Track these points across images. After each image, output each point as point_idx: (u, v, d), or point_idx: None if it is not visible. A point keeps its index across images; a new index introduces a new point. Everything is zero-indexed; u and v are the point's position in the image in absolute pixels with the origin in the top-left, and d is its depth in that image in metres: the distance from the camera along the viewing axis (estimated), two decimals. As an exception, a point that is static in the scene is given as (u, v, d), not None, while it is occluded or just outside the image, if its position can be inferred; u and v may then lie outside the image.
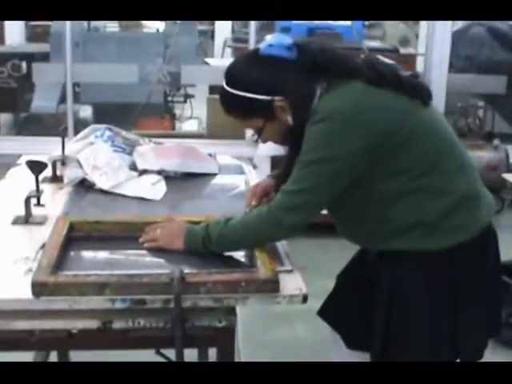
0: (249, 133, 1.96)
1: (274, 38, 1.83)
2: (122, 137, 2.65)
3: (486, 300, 1.90)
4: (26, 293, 1.62)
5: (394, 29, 8.05)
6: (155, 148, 2.62)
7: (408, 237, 1.81)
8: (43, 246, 1.88)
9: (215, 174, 2.65)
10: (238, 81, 1.83)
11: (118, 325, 1.68)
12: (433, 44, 5.15)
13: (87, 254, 1.87)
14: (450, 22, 5.13)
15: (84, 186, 2.42)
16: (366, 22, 5.56)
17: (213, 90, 6.54)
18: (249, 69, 1.83)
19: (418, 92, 1.83)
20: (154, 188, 2.41)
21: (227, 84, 1.85)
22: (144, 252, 1.89)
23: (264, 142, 1.93)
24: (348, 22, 4.71)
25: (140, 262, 1.84)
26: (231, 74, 1.87)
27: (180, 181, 2.54)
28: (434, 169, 1.79)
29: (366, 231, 1.89)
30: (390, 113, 1.76)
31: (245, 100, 1.80)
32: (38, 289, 1.61)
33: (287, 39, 1.82)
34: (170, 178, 2.53)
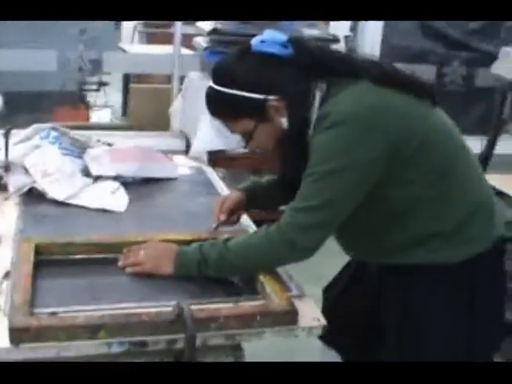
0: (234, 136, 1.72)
1: (268, 34, 1.63)
2: (69, 137, 2.34)
3: (498, 311, 1.79)
4: (2, 340, 1.33)
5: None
6: (110, 151, 2.33)
7: (423, 249, 1.64)
8: (7, 274, 1.59)
9: (175, 179, 2.40)
10: (229, 78, 1.61)
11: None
12: (364, 36, 5.08)
13: (62, 284, 1.59)
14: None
15: (33, 195, 2.10)
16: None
17: (128, 77, 6.22)
18: (240, 66, 1.62)
19: (426, 91, 1.66)
20: (114, 197, 2.14)
21: (216, 82, 1.63)
22: (127, 278, 1.63)
23: (253, 147, 1.72)
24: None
25: (127, 292, 1.58)
26: (220, 72, 1.65)
27: (140, 187, 2.28)
28: (450, 175, 1.64)
29: (375, 245, 1.71)
30: (405, 116, 1.58)
31: (236, 99, 1.60)
32: (18, 335, 1.32)
33: (281, 35, 1.62)
34: (127, 184, 2.26)
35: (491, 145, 3.95)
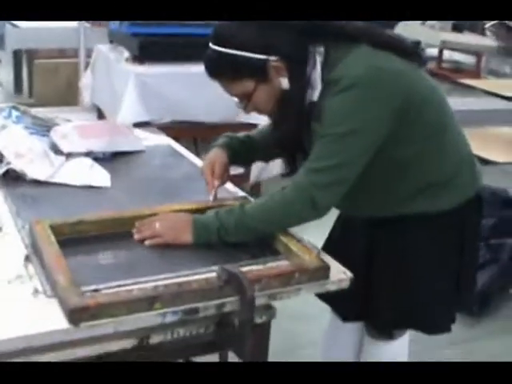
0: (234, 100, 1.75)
1: None
2: (30, 116, 2.27)
3: (477, 252, 1.99)
4: (57, 321, 1.32)
5: None
6: (78, 127, 2.28)
7: (422, 198, 1.77)
8: (27, 258, 1.55)
9: (143, 151, 2.38)
10: (230, 39, 1.64)
11: (155, 339, 1.44)
12: None
13: (88, 262, 1.57)
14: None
15: (9, 177, 2.03)
16: None
17: (20, 53, 5.95)
18: (240, 28, 1.65)
19: (415, 54, 1.77)
20: (95, 173, 2.10)
21: (217, 44, 1.66)
22: (148, 251, 1.64)
23: (252, 109, 1.76)
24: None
25: (156, 264, 1.58)
26: (221, 33, 1.67)
27: (112, 162, 2.25)
28: (444, 129, 1.77)
29: (376, 198, 1.80)
30: (407, 77, 1.69)
31: (237, 59, 1.63)
32: (78, 315, 1.31)
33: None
34: (98, 159, 2.23)
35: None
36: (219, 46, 1.64)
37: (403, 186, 1.76)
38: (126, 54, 3.99)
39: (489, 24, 2.85)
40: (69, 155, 2.18)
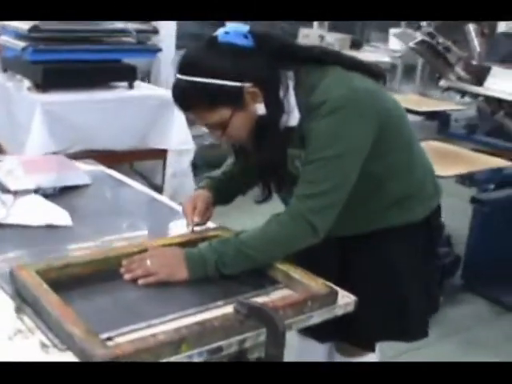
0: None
1: (230, 26, 1.65)
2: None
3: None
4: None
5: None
6: (23, 162, 2.12)
7: (398, 210, 1.80)
8: (19, 309, 1.42)
9: (89, 184, 2.27)
10: (202, 68, 1.60)
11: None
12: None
13: (90, 306, 1.46)
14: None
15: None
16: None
17: None
18: (210, 56, 1.62)
19: (380, 74, 1.81)
20: (52, 211, 1.96)
21: (188, 74, 1.61)
22: (145, 289, 1.56)
23: (228, 138, 1.71)
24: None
25: (161, 303, 1.51)
26: (192, 63, 1.63)
27: (62, 197, 2.12)
28: (411, 142, 1.83)
29: (349, 217, 1.78)
30: (381, 96, 1.73)
31: (212, 88, 1.59)
32: (107, 367, 1.21)
33: (243, 27, 1.65)
34: (48, 195, 2.09)
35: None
36: (190, 75, 1.59)
37: (376, 202, 1.79)
38: (27, 82, 3.80)
39: (412, 42, 2.96)
40: (16, 193, 2.03)
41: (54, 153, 3.74)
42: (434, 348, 2.89)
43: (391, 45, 7.19)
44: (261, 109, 1.63)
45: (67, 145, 3.71)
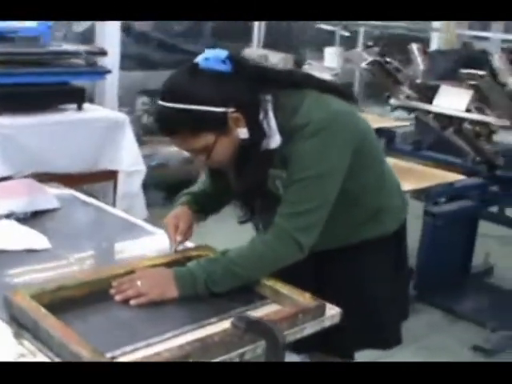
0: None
1: (211, 52, 1.70)
2: None
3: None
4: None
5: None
6: (-7, 187, 2.11)
7: (373, 223, 1.89)
8: (18, 332, 1.43)
9: (59, 208, 2.27)
10: (186, 95, 1.64)
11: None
12: (104, 41, 5.05)
13: (87, 327, 1.47)
14: (118, 22, 5.10)
15: None
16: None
17: None
18: (193, 83, 1.66)
19: (352, 96, 1.90)
20: (28, 235, 1.96)
21: (172, 100, 1.65)
22: (137, 309, 1.58)
23: (212, 162, 1.75)
24: (32, 23, 4.27)
25: (157, 322, 1.54)
26: (175, 90, 1.68)
27: (35, 221, 2.11)
28: (382, 160, 1.93)
29: (325, 232, 1.86)
30: (355, 115, 1.82)
31: (196, 114, 1.63)
32: (120, 386, 1.23)
33: (223, 52, 1.70)
34: (20, 220, 2.09)
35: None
36: (174, 102, 1.63)
37: (351, 217, 1.86)
38: (-25, 105, 3.73)
39: (365, 63, 3.07)
40: (-13, 218, 2.02)
41: (7, 177, 3.73)
42: (395, 357, 2.98)
43: (326, 63, 7.39)
44: (243, 133, 1.68)
45: (19, 168, 3.67)
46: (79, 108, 3.96)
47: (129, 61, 5.83)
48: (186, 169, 5.06)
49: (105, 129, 3.94)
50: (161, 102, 1.67)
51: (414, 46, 3.86)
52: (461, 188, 3.27)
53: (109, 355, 1.35)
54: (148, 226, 2.16)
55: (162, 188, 5.00)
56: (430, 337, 3.34)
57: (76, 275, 1.67)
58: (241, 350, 1.43)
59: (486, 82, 2.99)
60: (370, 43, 3.50)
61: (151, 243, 2.00)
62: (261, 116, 1.70)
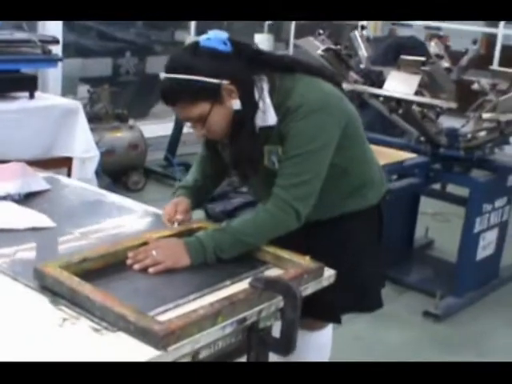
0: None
1: (212, 33, 1.88)
2: None
3: None
4: (143, 350, 1.38)
5: None
6: (-12, 170, 2.18)
7: (359, 196, 2.08)
8: (55, 300, 1.55)
9: (49, 189, 2.36)
10: (187, 67, 1.82)
11: (203, 355, 1.53)
12: (46, 30, 5.06)
13: (116, 294, 1.59)
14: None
15: None
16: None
17: None
18: (194, 58, 1.84)
19: (336, 79, 2.09)
20: (30, 214, 2.06)
21: (174, 72, 1.83)
22: (156, 277, 1.72)
23: (207, 130, 1.90)
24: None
25: (173, 287, 1.68)
26: (177, 63, 1.86)
27: (30, 202, 2.20)
28: (364, 139, 2.12)
29: (317, 203, 2.02)
30: (342, 97, 2.01)
31: (195, 84, 1.81)
32: (166, 340, 1.38)
33: (223, 34, 1.88)
34: (15, 201, 2.18)
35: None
36: (176, 73, 1.81)
37: (337, 190, 2.04)
38: None
39: (320, 50, 3.22)
40: (-14, 200, 2.10)
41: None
42: (352, 325, 3.21)
43: (258, 49, 7.57)
44: (236, 104, 1.85)
45: None
46: (31, 96, 4.00)
47: (67, 49, 5.83)
48: (131, 155, 5.16)
49: (58, 116, 3.99)
50: (164, 74, 1.84)
51: (357, 34, 4.08)
52: (409, 166, 3.51)
53: (151, 314, 1.48)
54: (132, 203, 2.32)
55: (110, 174, 5.07)
56: (381, 306, 3.57)
57: (94, 248, 1.77)
58: (259, 308, 1.59)
59: (436, 67, 3.24)
60: (320, 31, 3.68)
61: (142, 219, 2.17)
62: (256, 93, 1.87)
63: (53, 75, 5.16)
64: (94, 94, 5.04)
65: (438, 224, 4.81)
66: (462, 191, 3.95)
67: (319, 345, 2.28)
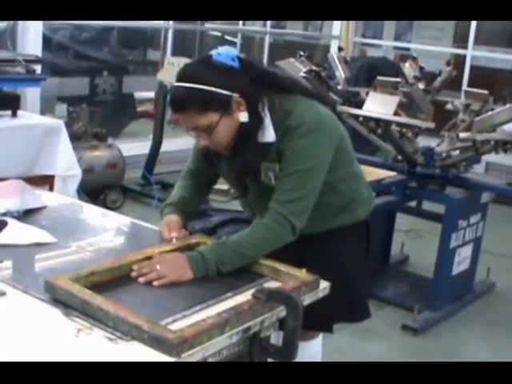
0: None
1: (222, 49, 2.00)
2: None
3: None
4: (158, 357, 1.45)
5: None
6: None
7: (348, 212, 2.19)
8: (67, 312, 1.61)
9: (45, 207, 2.41)
10: (200, 78, 1.93)
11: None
12: (25, 49, 5.10)
13: (126, 305, 1.66)
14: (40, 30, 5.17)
15: None
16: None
17: None
18: (207, 69, 1.96)
19: (331, 102, 2.21)
20: (32, 231, 2.11)
21: (187, 81, 1.93)
22: (160, 289, 1.79)
23: (213, 140, 1.99)
24: None
25: (177, 299, 1.76)
26: (191, 73, 1.96)
27: (29, 219, 2.26)
28: (354, 158, 2.23)
29: (310, 218, 2.11)
30: (335, 119, 2.15)
31: (207, 94, 1.91)
32: (180, 348, 1.45)
33: (233, 50, 2.01)
34: (14, 218, 2.23)
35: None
36: (190, 83, 1.91)
37: (329, 205, 2.15)
38: None
39: (303, 71, 3.31)
40: (-14, 217, 2.15)
41: None
42: (332, 338, 3.29)
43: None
44: (244, 116, 1.96)
45: None
46: (14, 114, 4.04)
47: (44, 68, 5.87)
48: (110, 173, 5.20)
49: (41, 134, 4.04)
50: (176, 83, 1.94)
51: (335, 55, 4.21)
52: (387, 184, 3.63)
53: (163, 323, 1.56)
54: (124, 218, 2.40)
55: (88, 192, 5.10)
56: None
57: (100, 263, 1.84)
58: (262, 318, 1.67)
59: (415, 89, 3.38)
60: (301, 53, 3.80)
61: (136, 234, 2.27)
62: (259, 109, 1.98)
63: (31, 94, 5.19)
64: (73, 113, 5.09)
65: (411, 240, 4.95)
66: (437, 208, 4.09)
67: (310, 353, 2.36)
